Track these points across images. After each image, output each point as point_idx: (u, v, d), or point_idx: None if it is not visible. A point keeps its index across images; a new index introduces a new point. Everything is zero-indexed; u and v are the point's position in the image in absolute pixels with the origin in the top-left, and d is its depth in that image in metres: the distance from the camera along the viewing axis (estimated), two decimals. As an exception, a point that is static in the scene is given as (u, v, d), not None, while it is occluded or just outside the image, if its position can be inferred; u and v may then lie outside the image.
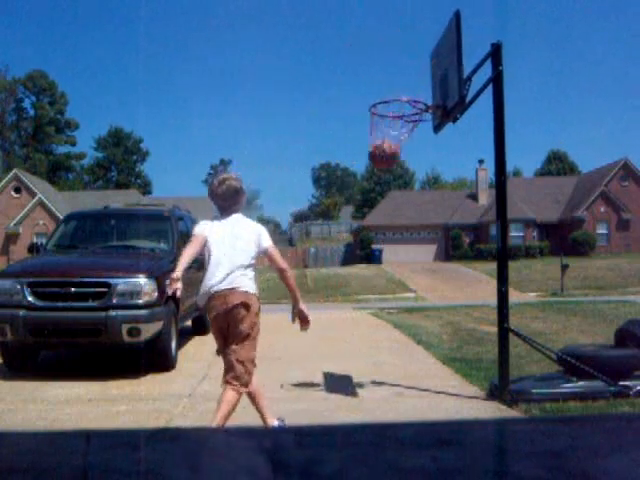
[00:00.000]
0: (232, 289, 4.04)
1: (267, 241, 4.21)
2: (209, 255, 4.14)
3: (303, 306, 4.26)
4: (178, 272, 3.94)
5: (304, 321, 4.27)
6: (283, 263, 4.25)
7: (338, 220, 61.33)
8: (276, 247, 4.37)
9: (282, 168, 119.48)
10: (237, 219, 4.26)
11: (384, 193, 54.23)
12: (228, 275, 4.05)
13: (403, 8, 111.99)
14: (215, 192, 4.26)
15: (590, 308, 13.31)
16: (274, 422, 4.22)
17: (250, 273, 4.15)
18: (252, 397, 4.25)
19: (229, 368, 4.06)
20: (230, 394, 4.00)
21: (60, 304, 6.32)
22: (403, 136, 5.73)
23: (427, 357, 7.51)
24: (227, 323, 4.06)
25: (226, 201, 4.24)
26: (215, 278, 4.07)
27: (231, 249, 4.11)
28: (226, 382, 4.04)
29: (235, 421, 3.98)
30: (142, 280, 6.41)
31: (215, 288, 4.05)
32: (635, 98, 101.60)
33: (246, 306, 4.03)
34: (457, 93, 5.32)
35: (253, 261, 4.17)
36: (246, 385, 4.07)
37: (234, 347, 4.05)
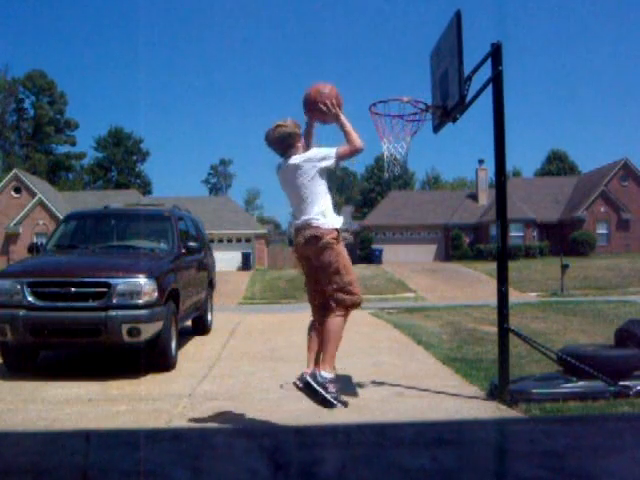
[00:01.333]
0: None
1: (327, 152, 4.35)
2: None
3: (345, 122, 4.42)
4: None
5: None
6: (354, 144, 4.37)
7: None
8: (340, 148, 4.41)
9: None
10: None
11: (384, 193, 54.26)
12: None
13: (403, 8, 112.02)
14: (268, 138, 4.43)
15: (590, 308, 13.30)
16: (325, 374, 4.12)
17: None
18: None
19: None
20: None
21: (60, 304, 6.31)
22: (406, 140, 5.72)
23: (427, 357, 7.50)
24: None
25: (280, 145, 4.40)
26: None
27: None
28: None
29: (234, 421, 3.98)
30: (142, 280, 6.41)
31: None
32: (635, 98, 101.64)
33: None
34: (457, 93, 5.31)
35: None
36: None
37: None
